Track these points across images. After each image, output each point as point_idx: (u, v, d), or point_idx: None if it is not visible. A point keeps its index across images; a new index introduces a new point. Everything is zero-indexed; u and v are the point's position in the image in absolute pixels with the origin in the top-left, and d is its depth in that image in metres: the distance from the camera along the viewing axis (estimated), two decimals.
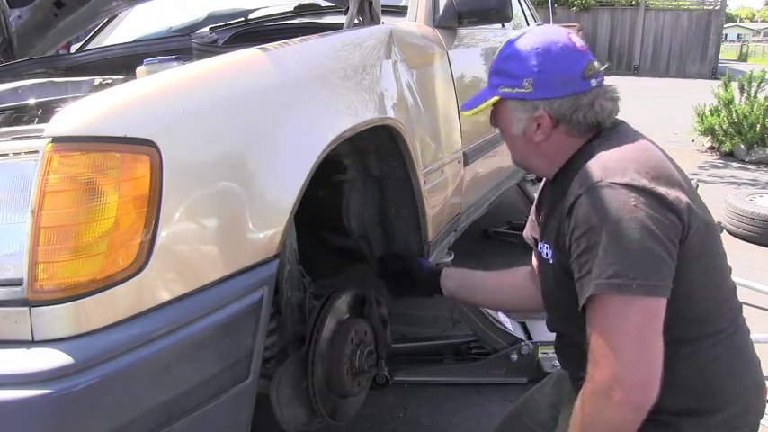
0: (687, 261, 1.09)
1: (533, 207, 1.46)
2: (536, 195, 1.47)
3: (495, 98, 1.25)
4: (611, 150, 1.15)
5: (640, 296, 1.04)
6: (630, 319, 1.04)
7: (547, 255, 1.26)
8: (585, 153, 1.19)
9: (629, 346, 1.04)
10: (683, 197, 1.10)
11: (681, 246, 1.08)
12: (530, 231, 1.47)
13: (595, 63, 1.22)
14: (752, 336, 1.24)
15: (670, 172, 1.14)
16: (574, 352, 1.25)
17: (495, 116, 1.30)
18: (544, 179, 1.38)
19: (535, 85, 1.19)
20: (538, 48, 1.20)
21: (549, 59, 1.20)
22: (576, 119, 1.20)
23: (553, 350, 2.24)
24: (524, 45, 1.22)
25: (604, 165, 1.12)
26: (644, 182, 1.07)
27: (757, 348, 1.24)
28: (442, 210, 1.99)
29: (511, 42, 1.25)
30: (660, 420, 1.11)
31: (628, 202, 1.05)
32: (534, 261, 1.50)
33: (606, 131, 1.23)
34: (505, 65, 1.24)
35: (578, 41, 1.23)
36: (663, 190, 1.07)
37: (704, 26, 18.30)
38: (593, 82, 1.20)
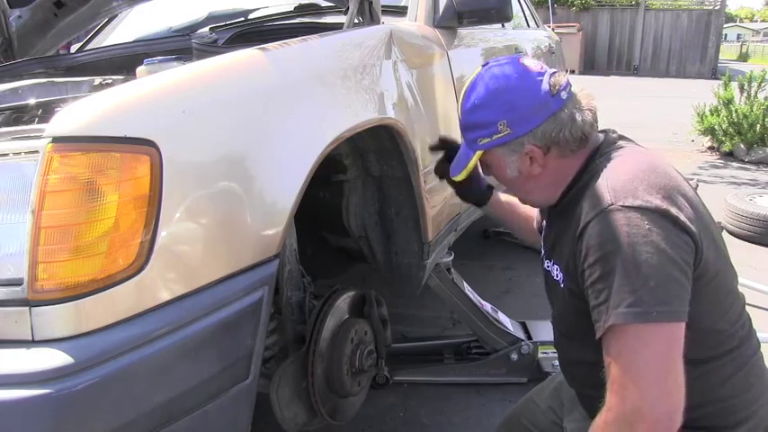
0: (701, 283, 1.06)
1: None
2: None
3: (479, 152, 1.22)
4: (618, 169, 1.12)
5: (661, 323, 1.00)
6: (652, 347, 1.01)
7: (557, 277, 1.22)
8: (590, 172, 1.16)
9: (652, 378, 1.00)
10: (693, 214, 1.07)
11: (695, 267, 1.06)
12: (537, 224, 1.49)
13: (557, 74, 1.17)
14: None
15: (678, 186, 1.10)
16: (581, 369, 1.23)
17: (486, 167, 1.27)
18: None
19: (510, 124, 1.16)
20: (495, 88, 1.17)
21: (512, 94, 1.16)
22: (563, 138, 1.16)
23: (553, 350, 2.29)
24: (481, 91, 1.18)
25: (613, 186, 1.08)
26: (656, 203, 1.04)
27: None
28: (442, 210, 1.99)
29: (468, 95, 1.21)
30: None
31: (642, 226, 1.02)
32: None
33: (607, 148, 1.18)
34: (473, 117, 1.20)
35: (530, 62, 1.19)
36: (675, 210, 1.04)
37: (704, 26, 18.25)
38: (564, 94, 1.16)
